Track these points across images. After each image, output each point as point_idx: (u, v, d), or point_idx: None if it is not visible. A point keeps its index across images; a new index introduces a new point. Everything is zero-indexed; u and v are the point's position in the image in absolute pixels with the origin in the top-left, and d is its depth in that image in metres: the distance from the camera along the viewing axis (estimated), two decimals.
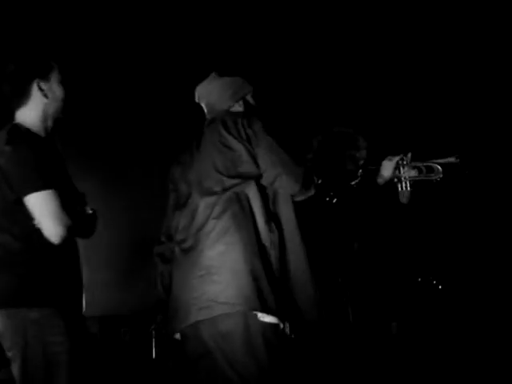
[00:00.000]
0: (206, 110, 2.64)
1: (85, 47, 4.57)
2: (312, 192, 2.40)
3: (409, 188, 3.04)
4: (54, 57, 2.24)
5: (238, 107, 2.59)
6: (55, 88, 2.21)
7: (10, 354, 2.07)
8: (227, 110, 2.55)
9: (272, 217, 2.32)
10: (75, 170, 2.47)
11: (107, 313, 4.85)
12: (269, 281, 2.21)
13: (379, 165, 3.04)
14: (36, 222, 2.02)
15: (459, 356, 4.63)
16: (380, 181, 2.97)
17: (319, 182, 2.50)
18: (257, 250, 2.23)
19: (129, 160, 5.11)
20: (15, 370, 2.06)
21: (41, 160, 2.03)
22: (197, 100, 2.68)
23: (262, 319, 2.18)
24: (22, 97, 2.15)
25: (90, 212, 2.26)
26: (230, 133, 2.36)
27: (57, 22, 4.36)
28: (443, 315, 4.85)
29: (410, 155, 3.01)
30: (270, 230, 2.28)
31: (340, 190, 3.10)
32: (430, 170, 3.00)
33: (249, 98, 2.63)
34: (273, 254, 2.27)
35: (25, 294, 2.01)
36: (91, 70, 4.64)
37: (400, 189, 3.02)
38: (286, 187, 2.34)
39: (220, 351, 2.20)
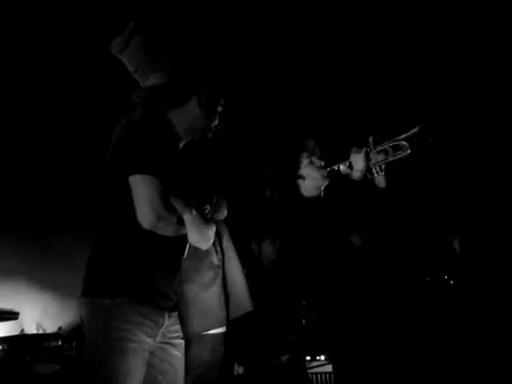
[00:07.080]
0: None
1: None
2: None
3: (382, 172, 2.99)
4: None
5: None
6: (211, 107, 2.27)
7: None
8: None
9: None
10: None
11: None
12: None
13: (339, 162, 3.01)
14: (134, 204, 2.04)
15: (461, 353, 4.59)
16: (357, 175, 2.90)
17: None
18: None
19: None
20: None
21: (161, 146, 2.06)
22: None
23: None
24: (177, 101, 2.20)
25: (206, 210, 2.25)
26: None
27: None
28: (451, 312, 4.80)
29: (371, 139, 2.97)
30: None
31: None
32: (397, 148, 2.93)
33: None
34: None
35: (102, 284, 2.06)
36: None
37: (375, 175, 2.98)
38: None
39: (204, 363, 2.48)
